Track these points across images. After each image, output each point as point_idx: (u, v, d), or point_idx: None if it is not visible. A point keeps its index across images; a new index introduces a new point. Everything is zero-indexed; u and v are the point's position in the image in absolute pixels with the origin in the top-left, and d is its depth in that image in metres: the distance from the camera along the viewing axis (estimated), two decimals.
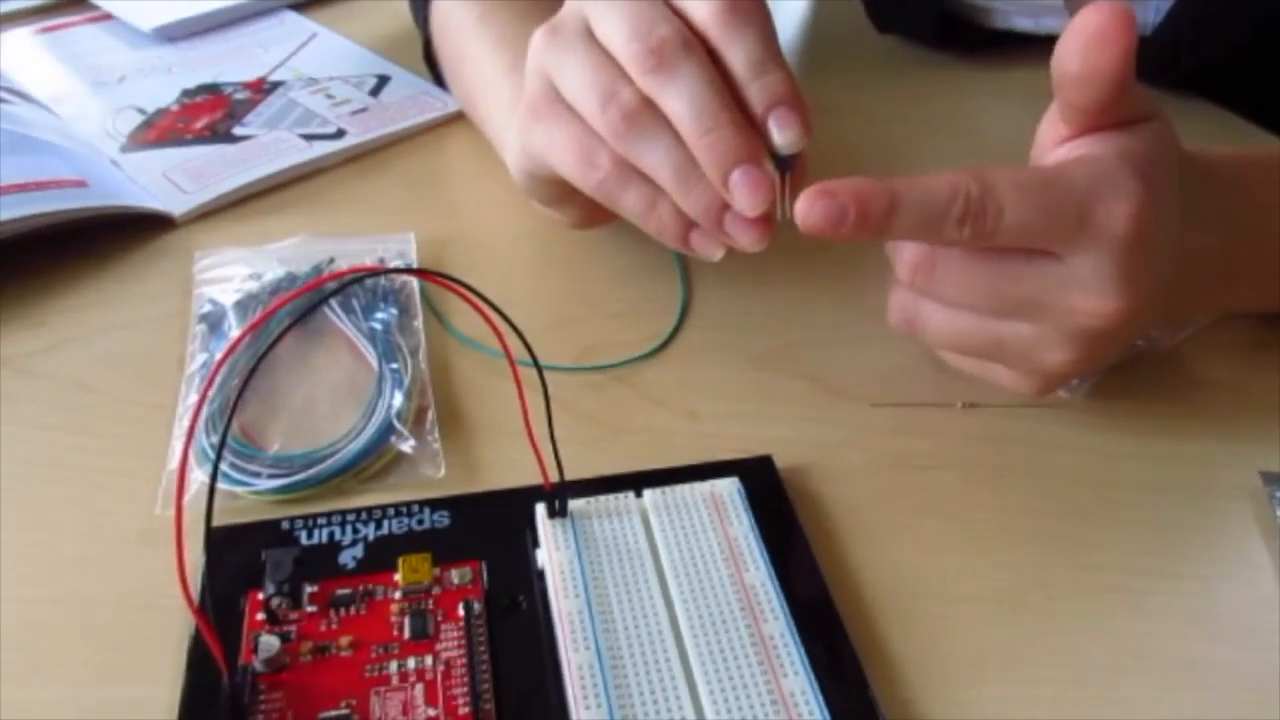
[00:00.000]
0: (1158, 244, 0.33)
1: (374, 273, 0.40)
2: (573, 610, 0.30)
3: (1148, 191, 0.32)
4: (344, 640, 0.30)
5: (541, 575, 0.32)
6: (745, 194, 0.33)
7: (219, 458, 0.23)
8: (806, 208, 0.31)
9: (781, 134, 0.34)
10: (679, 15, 0.35)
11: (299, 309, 0.37)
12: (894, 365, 0.41)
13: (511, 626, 0.31)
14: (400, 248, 0.47)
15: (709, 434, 0.39)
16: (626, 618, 0.30)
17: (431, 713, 0.28)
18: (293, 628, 0.30)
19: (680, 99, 0.33)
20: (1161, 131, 0.34)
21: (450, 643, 0.30)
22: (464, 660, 0.29)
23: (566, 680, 0.29)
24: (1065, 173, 0.32)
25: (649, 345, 0.42)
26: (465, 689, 0.28)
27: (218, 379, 0.38)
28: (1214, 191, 0.36)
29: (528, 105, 0.38)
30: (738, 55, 0.34)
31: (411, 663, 0.29)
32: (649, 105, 0.34)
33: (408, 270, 0.44)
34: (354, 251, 0.46)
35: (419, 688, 0.28)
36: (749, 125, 0.34)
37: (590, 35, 0.36)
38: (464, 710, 0.28)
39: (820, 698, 0.28)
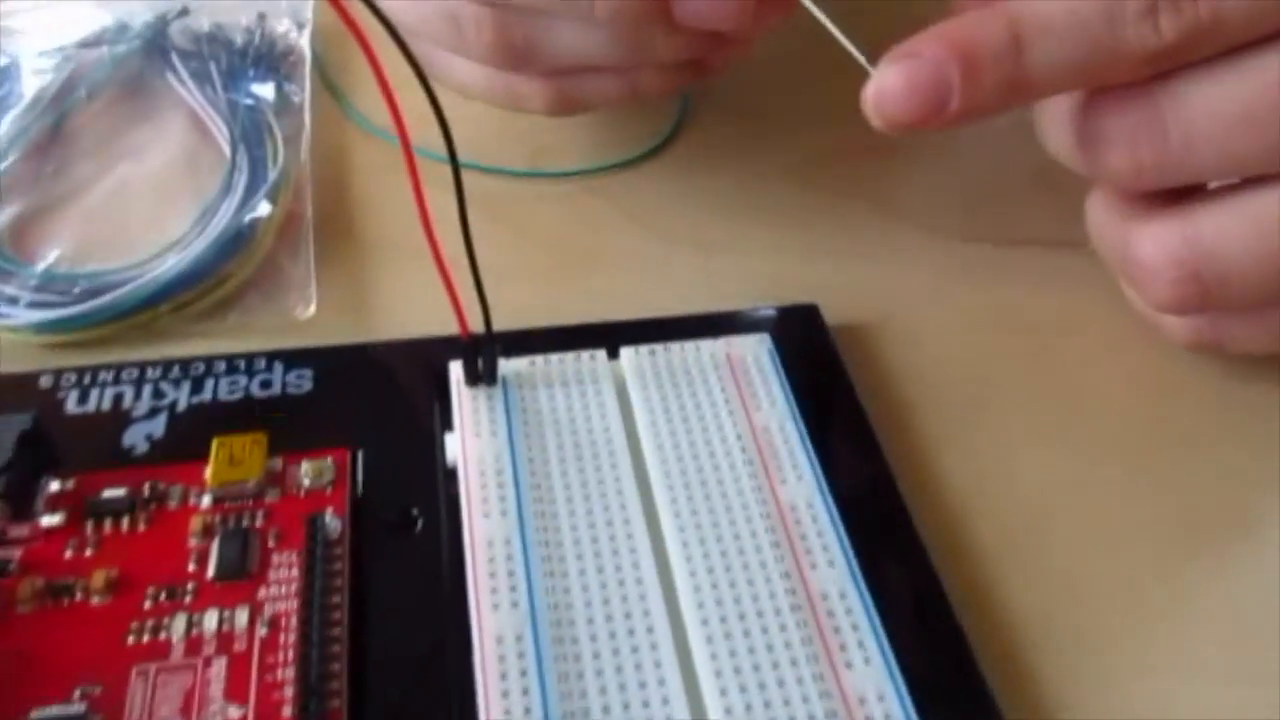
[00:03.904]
0: None
1: None
2: (497, 537, 0.18)
3: None
4: (100, 577, 0.17)
5: (452, 476, 0.20)
6: None
7: None
8: (881, 90, 0.18)
9: None
10: None
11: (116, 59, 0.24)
12: (990, 184, 0.29)
13: (393, 560, 0.18)
14: (293, 4, 0.33)
15: (723, 273, 0.26)
16: (585, 551, 0.18)
17: (235, 713, 0.16)
18: (14, 552, 0.18)
19: None
20: None
21: (283, 586, 0.18)
22: (302, 617, 0.17)
23: (476, 657, 0.17)
24: None
25: (640, 146, 0.29)
26: (296, 668, 0.16)
27: None
28: None
29: None
30: None
31: (211, 620, 0.17)
32: None
33: None
34: (222, 4, 0.32)
35: (219, 664, 0.16)
36: None
37: None
38: (288, 713, 0.16)
39: (902, 691, 0.16)
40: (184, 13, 0.31)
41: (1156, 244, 0.20)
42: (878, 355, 0.24)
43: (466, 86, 0.25)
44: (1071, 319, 0.25)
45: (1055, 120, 0.20)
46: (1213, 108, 0.18)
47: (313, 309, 0.23)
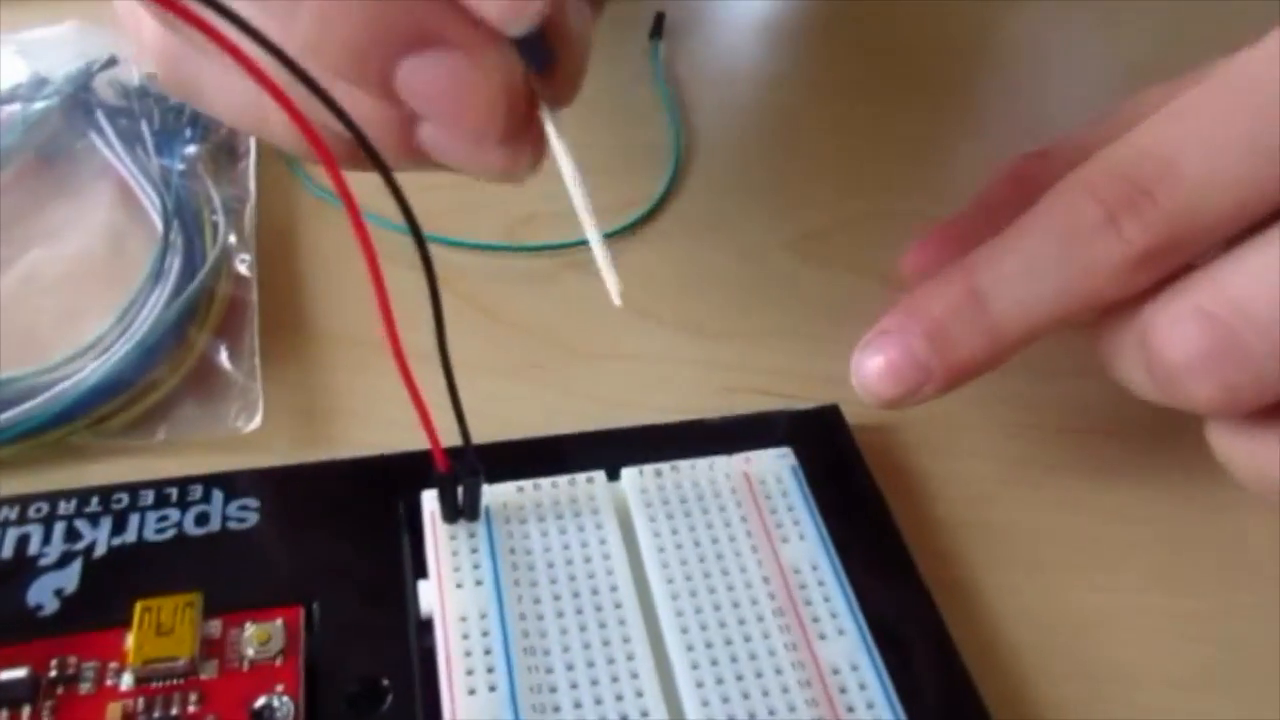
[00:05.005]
0: None
1: None
2: (483, 713, 0.15)
3: None
4: None
5: (427, 628, 0.17)
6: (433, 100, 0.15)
7: None
8: (863, 376, 0.17)
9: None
10: None
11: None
12: None
13: None
14: None
15: (726, 363, 0.23)
16: None
17: None
18: None
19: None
20: None
21: None
22: None
23: None
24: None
25: (626, 215, 0.26)
26: None
27: None
28: None
29: None
30: None
31: None
32: None
33: None
34: None
35: None
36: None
37: None
38: None
39: None
40: (111, 63, 0.27)
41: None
42: (905, 461, 0.21)
43: None
44: (1124, 418, 0.23)
45: (1126, 359, 0.17)
46: (1264, 279, 0.14)
47: (258, 420, 0.20)
